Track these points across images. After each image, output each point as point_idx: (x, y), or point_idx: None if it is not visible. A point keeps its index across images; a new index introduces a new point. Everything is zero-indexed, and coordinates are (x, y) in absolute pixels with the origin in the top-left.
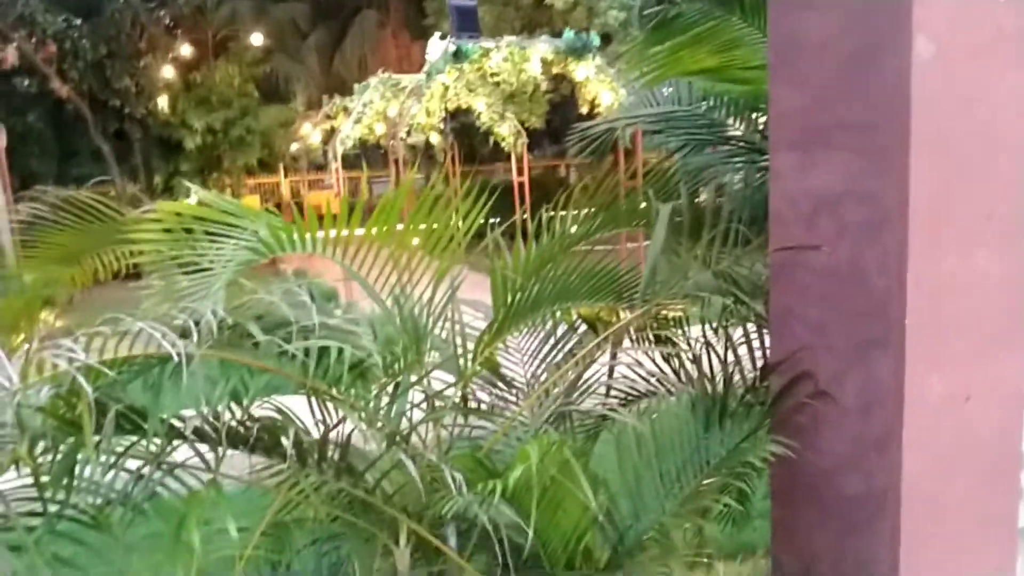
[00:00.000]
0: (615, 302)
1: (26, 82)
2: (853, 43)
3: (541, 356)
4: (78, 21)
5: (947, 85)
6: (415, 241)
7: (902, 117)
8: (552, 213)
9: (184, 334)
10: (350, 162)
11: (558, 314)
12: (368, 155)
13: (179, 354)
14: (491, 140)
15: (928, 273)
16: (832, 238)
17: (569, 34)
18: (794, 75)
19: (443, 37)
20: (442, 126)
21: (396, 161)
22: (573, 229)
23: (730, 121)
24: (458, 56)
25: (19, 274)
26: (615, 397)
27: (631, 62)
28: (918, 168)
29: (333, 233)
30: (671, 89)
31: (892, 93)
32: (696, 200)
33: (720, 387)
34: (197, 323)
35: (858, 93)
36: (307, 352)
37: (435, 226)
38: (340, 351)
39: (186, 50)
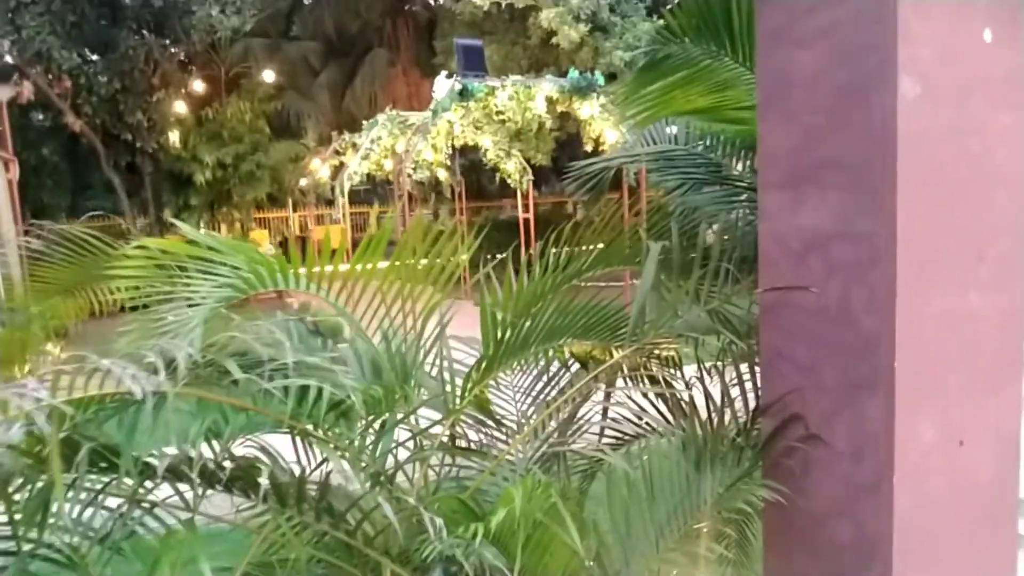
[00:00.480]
0: (608, 340)
1: (40, 116)
2: (840, 81)
3: (532, 394)
4: (93, 57)
5: (934, 124)
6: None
7: (889, 156)
8: (544, 250)
9: (157, 372)
10: (360, 197)
11: (550, 352)
12: (377, 191)
13: (148, 393)
14: (498, 177)
15: (918, 314)
16: (821, 278)
17: (574, 73)
18: (782, 114)
19: (450, 76)
20: (449, 163)
21: (402, 197)
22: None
23: (727, 161)
24: (464, 94)
25: (24, 307)
26: (608, 437)
27: (625, 101)
28: (906, 207)
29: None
30: (672, 128)
31: (879, 132)
32: (692, 238)
33: (712, 429)
34: (170, 361)
35: (846, 132)
36: (287, 390)
37: (423, 262)
38: (320, 390)
39: (199, 86)
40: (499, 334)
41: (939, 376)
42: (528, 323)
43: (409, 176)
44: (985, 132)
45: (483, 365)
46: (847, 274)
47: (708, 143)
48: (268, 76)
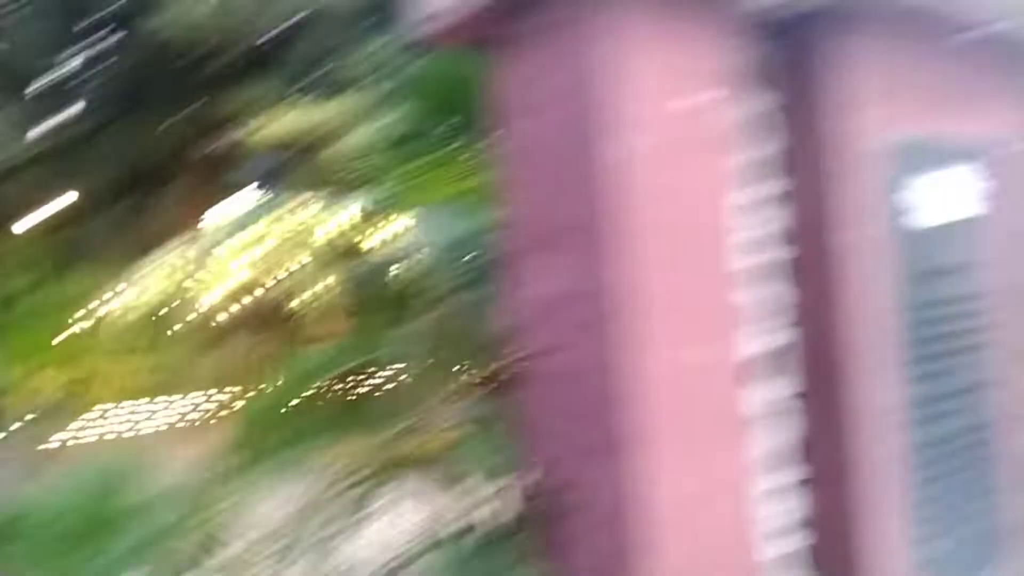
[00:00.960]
0: (372, 437)
1: None
2: (570, 145)
3: (285, 502)
4: None
5: (655, 184)
6: None
7: (612, 214)
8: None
9: None
10: (148, 332)
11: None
12: (165, 325)
13: None
14: (300, 302)
15: (652, 370)
16: (567, 341)
17: (377, 192)
18: (522, 181)
19: (243, 198)
20: (241, 290)
21: (186, 331)
22: None
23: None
24: (257, 216)
25: None
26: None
27: (378, 191)
28: (631, 263)
29: None
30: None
31: (605, 192)
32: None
33: (484, 519)
34: None
35: (578, 194)
36: None
37: None
38: None
39: None
40: (246, 439)
41: (678, 430)
42: (276, 427)
43: (198, 308)
44: (702, 190)
45: (222, 476)
46: (591, 334)
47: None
48: (61, 203)
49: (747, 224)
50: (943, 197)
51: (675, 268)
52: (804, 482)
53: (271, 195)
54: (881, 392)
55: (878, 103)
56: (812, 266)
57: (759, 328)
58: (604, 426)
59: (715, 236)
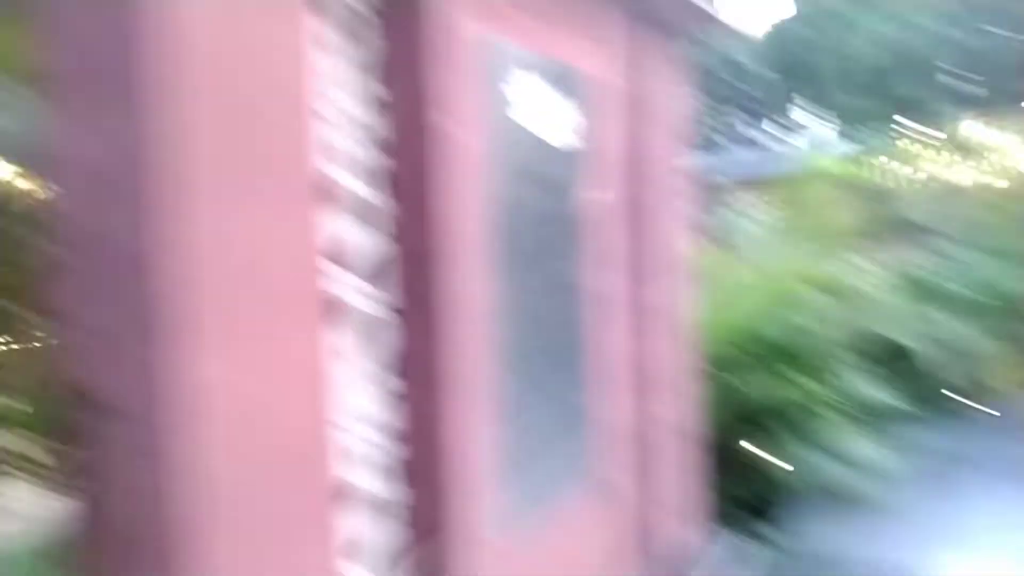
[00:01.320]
0: None
1: None
2: None
3: None
4: None
5: (187, 34)
6: None
7: (136, 64)
8: None
9: None
10: None
11: None
12: None
13: None
14: None
15: (193, 243)
16: (99, 214)
17: None
18: (46, 21)
19: None
20: None
21: None
22: None
23: None
24: None
25: None
26: None
27: None
28: (163, 116)
29: None
30: None
31: (122, 38)
32: None
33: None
34: None
35: (93, 38)
36: None
37: None
38: None
39: None
40: None
41: (225, 310)
42: None
43: None
44: (274, 58)
45: None
46: (107, 202)
47: None
48: None
49: (341, 127)
50: (539, 116)
51: (237, 134)
52: (399, 395)
53: None
54: (476, 298)
55: (479, 12)
56: (408, 175)
57: (351, 227)
58: (137, 313)
59: (292, 108)
